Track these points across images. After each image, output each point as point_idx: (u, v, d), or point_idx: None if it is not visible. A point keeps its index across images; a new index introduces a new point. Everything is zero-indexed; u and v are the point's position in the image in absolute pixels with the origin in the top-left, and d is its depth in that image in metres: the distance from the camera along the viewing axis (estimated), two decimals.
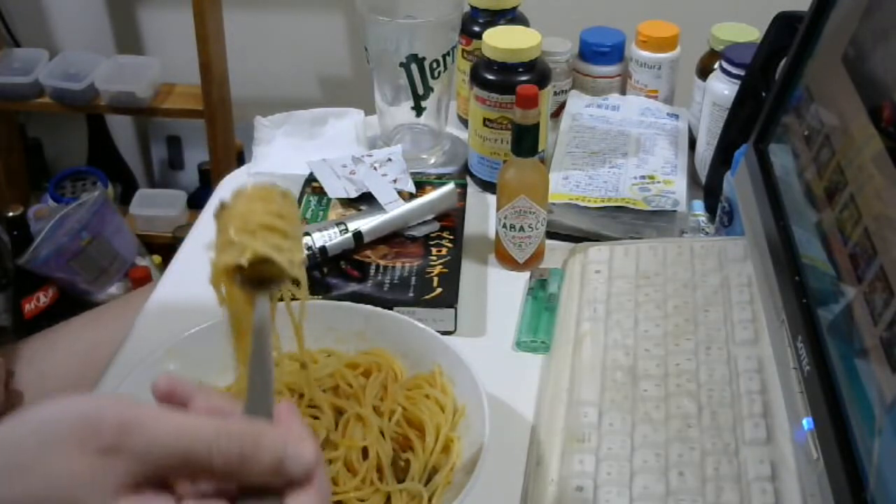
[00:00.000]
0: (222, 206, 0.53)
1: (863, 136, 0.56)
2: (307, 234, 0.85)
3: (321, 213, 0.92)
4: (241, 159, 1.97)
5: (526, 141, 0.82)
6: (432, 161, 1.04)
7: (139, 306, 0.84)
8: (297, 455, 0.41)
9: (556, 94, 1.08)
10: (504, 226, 0.86)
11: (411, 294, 0.81)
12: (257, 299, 0.52)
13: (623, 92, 1.11)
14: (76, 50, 1.97)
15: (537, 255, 0.88)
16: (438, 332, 0.72)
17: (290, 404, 0.46)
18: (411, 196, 0.91)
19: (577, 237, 0.91)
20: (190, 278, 0.89)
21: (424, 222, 0.90)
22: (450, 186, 0.92)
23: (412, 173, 0.95)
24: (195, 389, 0.45)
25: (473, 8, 1.07)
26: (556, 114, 1.08)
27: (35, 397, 0.80)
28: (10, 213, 1.74)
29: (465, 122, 1.08)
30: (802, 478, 0.59)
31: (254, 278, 0.52)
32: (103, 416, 0.40)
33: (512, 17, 1.07)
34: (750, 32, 1.01)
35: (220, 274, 0.52)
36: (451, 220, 0.91)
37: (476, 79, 0.96)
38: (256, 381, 0.46)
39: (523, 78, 0.92)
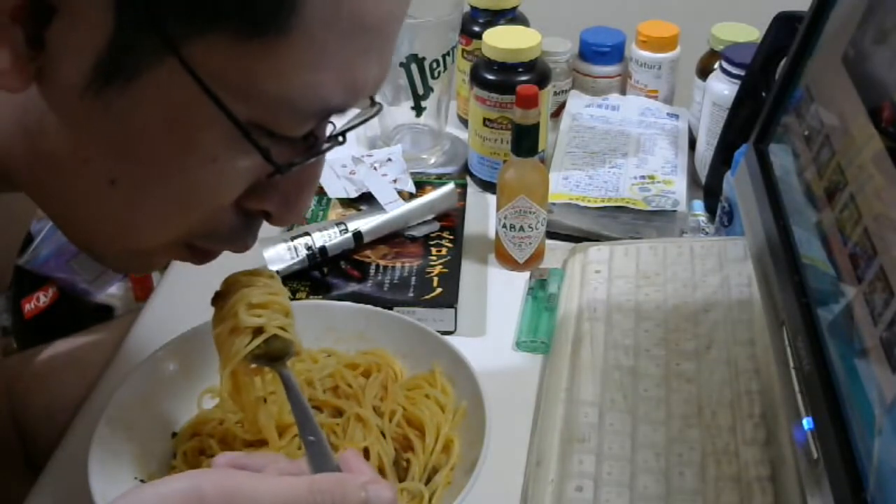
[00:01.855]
0: (218, 296, 0.59)
1: (863, 136, 0.56)
2: (307, 234, 0.85)
3: (321, 213, 0.92)
4: None
5: (526, 141, 0.82)
6: (432, 161, 1.04)
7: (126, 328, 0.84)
8: (377, 495, 0.46)
9: (556, 94, 1.08)
10: (504, 226, 0.86)
11: (411, 294, 0.81)
12: (280, 372, 0.58)
13: (623, 92, 1.11)
14: None
15: (537, 255, 0.88)
16: (438, 332, 0.72)
17: (353, 451, 0.53)
18: (411, 196, 0.91)
19: (577, 237, 0.91)
20: (190, 278, 0.89)
21: (424, 222, 0.90)
22: (450, 186, 0.92)
23: (412, 173, 0.95)
24: (262, 461, 0.49)
25: (473, 8, 1.07)
26: (556, 114, 1.08)
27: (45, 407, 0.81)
28: None
29: (465, 122, 1.08)
30: (802, 478, 0.59)
31: (262, 355, 0.58)
32: (204, 490, 0.42)
33: (512, 17, 1.07)
34: (750, 32, 1.01)
35: (239, 358, 0.58)
36: (451, 220, 0.91)
37: (476, 79, 0.95)
38: (312, 441, 0.52)
39: (523, 78, 0.92)
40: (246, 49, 0.43)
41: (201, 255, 0.56)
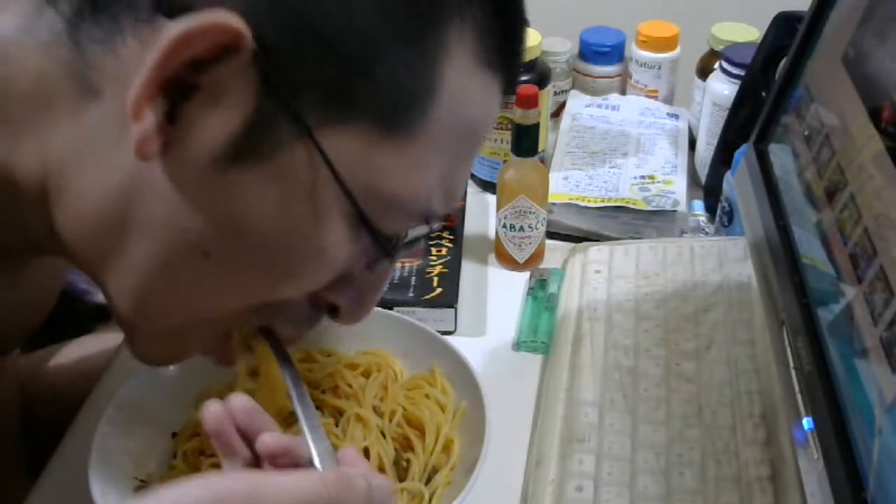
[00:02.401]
0: None
1: (863, 136, 0.56)
2: None
3: None
4: None
5: (526, 141, 0.82)
6: None
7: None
8: (380, 488, 0.47)
9: (556, 94, 1.08)
10: (504, 226, 0.86)
11: (411, 294, 0.81)
12: (269, 341, 0.56)
13: (623, 92, 1.11)
14: None
15: (537, 255, 0.88)
16: (438, 332, 0.72)
17: (353, 449, 0.53)
18: None
19: (577, 237, 0.91)
20: None
21: None
22: None
23: None
24: (257, 422, 0.49)
25: None
26: (556, 114, 1.08)
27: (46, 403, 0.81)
28: None
29: None
30: (802, 478, 0.59)
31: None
32: (222, 495, 0.42)
33: None
34: (750, 32, 1.01)
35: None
36: (451, 220, 0.91)
37: None
38: (313, 428, 0.51)
39: (523, 78, 0.92)
40: (374, 144, 0.45)
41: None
